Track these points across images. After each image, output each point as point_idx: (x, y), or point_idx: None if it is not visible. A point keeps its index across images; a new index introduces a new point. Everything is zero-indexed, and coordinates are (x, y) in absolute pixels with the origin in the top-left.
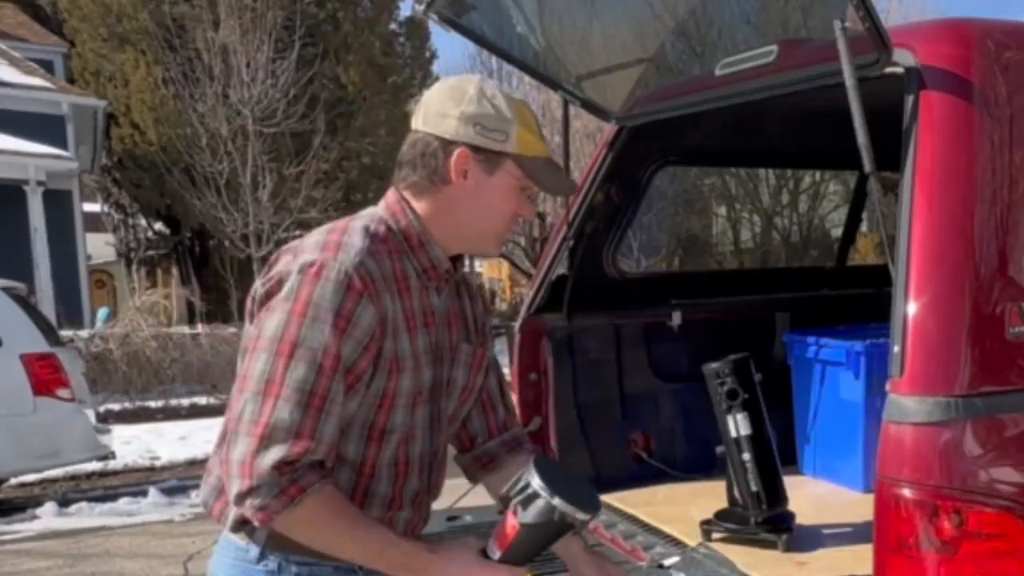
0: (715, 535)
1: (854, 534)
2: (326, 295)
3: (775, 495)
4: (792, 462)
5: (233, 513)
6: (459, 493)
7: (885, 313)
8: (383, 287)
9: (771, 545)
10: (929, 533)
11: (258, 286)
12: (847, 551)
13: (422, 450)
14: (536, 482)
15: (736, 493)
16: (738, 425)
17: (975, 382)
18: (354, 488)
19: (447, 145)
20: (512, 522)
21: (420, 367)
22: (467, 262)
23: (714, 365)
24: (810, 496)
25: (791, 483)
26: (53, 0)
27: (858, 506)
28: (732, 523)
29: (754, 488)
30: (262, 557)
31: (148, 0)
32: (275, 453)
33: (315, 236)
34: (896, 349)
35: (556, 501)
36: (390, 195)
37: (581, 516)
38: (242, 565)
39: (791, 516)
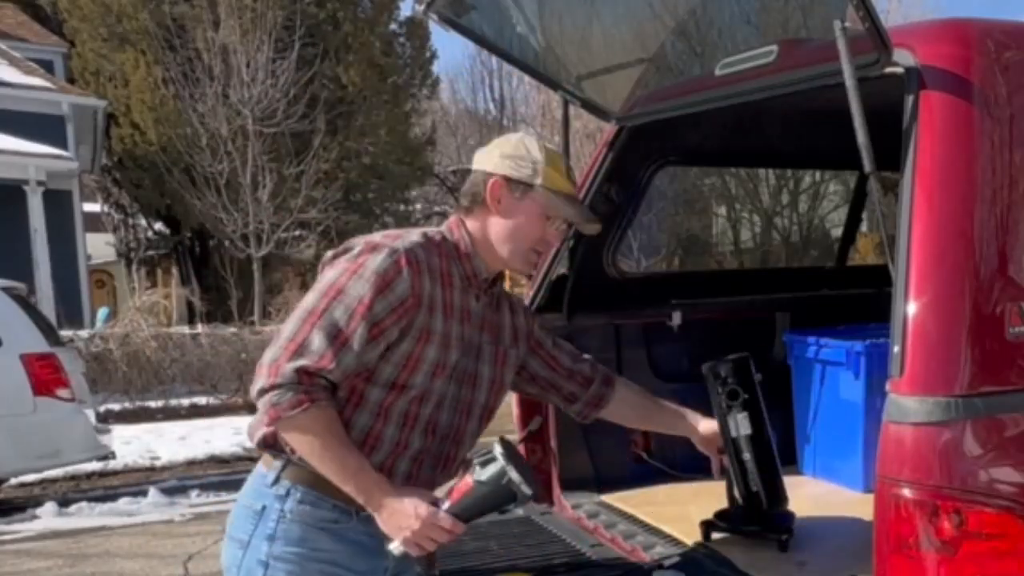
0: (714, 535)
1: (854, 534)
2: (376, 262)
3: (775, 495)
4: (792, 462)
5: (260, 432)
6: None
7: (885, 313)
8: (426, 271)
9: (771, 545)
10: (929, 533)
11: (329, 253)
12: (847, 551)
13: (435, 417)
14: (498, 450)
15: (736, 493)
16: (738, 425)
17: (975, 382)
18: (370, 427)
19: (488, 176)
20: (468, 479)
21: (448, 347)
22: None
23: (714, 365)
24: (810, 496)
25: (791, 483)
26: (53, 0)
27: (858, 506)
28: (732, 523)
29: (754, 488)
30: (275, 482)
31: (148, 0)
32: (301, 362)
33: (382, 232)
34: (896, 349)
35: (509, 468)
36: (452, 218)
37: (525, 489)
38: (259, 488)
39: (791, 516)
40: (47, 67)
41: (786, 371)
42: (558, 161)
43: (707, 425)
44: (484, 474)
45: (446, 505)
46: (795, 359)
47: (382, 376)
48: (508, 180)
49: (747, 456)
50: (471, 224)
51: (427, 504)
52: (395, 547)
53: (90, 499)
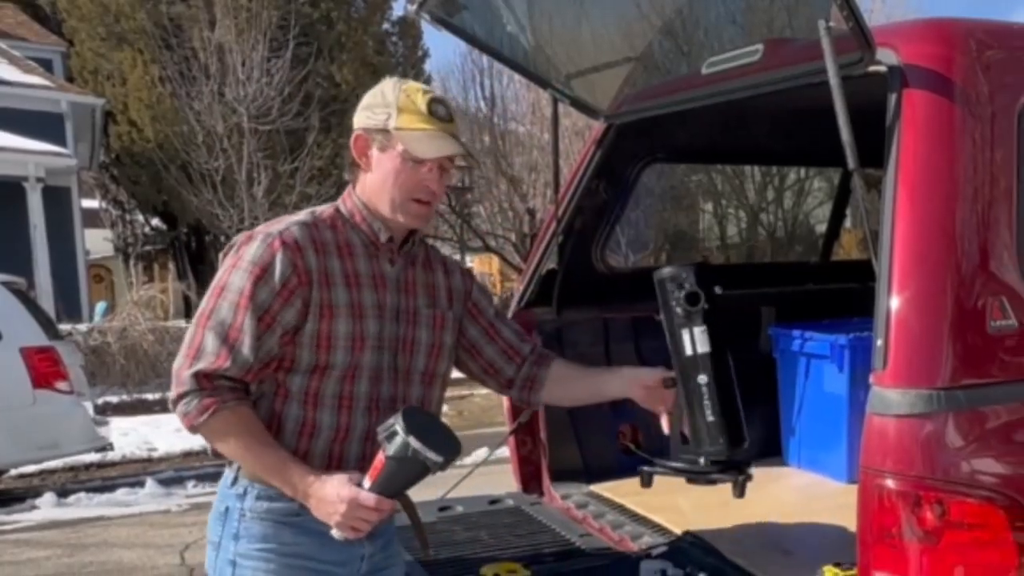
0: (656, 476)
1: (838, 524)
2: (251, 251)
3: (734, 429)
4: (777, 453)
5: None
6: (451, 483)
7: (869, 307)
8: (309, 248)
9: (757, 533)
10: (912, 523)
11: (221, 254)
12: (831, 540)
13: (373, 392)
14: (399, 423)
15: (686, 426)
16: (695, 340)
17: (957, 375)
18: (303, 417)
19: (352, 135)
20: (380, 456)
21: (362, 316)
22: (459, 258)
23: (671, 268)
24: (795, 487)
25: (778, 474)
26: (52, 0)
27: (842, 496)
28: (678, 462)
29: (710, 418)
30: (234, 482)
31: (145, 0)
32: (198, 366)
33: (269, 221)
34: (879, 343)
35: (410, 439)
36: (348, 188)
37: (433, 457)
38: (223, 490)
39: (749, 457)
40: (46, 66)
41: (771, 364)
42: (417, 97)
43: (650, 375)
44: (391, 449)
45: (367, 484)
46: (780, 352)
47: (301, 363)
48: (367, 131)
49: (703, 378)
50: (358, 188)
51: (350, 486)
52: (336, 533)
53: (88, 490)
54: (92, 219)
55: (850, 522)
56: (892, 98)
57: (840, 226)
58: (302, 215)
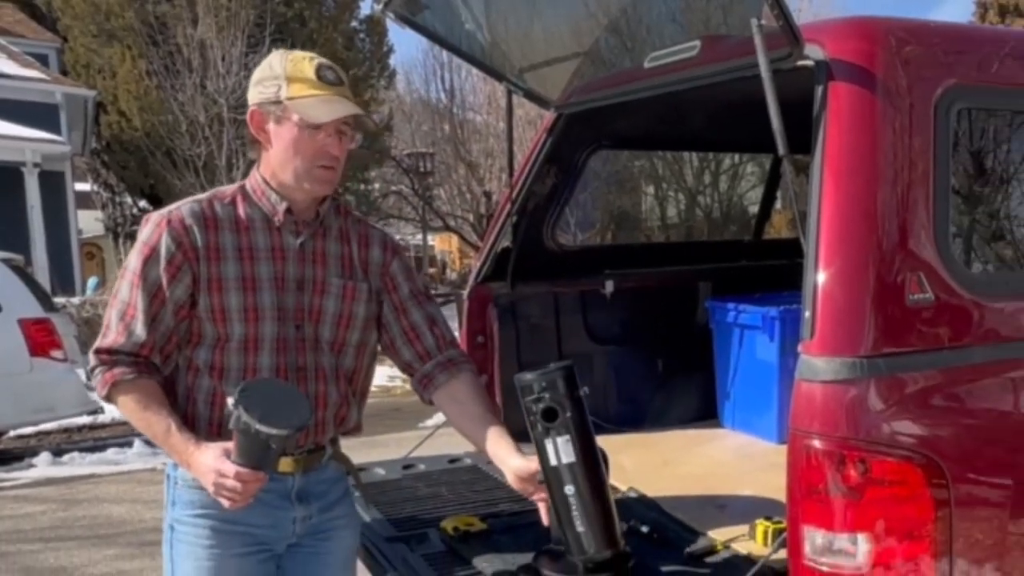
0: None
1: (769, 480)
2: (143, 233)
3: (606, 536)
4: (713, 416)
5: None
6: (413, 444)
7: (797, 282)
8: (198, 225)
9: (695, 488)
10: (837, 480)
11: None
12: (763, 496)
13: (278, 362)
14: (230, 400)
15: (559, 532)
16: (558, 451)
17: (878, 344)
18: (212, 389)
19: (248, 113)
20: (233, 437)
21: (255, 289)
22: (421, 237)
23: (527, 376)
24: (730, 447)
25: (713, 435)
26: (48, 0)
27: (773, 455)
28: (557, 571)
29: (580, 528)
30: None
31: (133, 0)
32: (99, 344)
33: None
34: (807, 314)
35: (242, 413)
36: (254, 167)
37: (269, 430)
38: (167, 459)
39: (627, 557)
40: (42, 60)
41: (708, 334)
42: (304, 65)
43: (520, 463)
44: (230, 422)
45: (232, 457)
46: (716, 324)
47: (205, 337)
48: (261, 106)
49: (570, 489)
50: (261, 165)
51: (218, 458)
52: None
53: (81, 450)
54: (84, 201)
55: (780, 479)
56: (819, 90)
57: (771, 208)
58: (202, 195)
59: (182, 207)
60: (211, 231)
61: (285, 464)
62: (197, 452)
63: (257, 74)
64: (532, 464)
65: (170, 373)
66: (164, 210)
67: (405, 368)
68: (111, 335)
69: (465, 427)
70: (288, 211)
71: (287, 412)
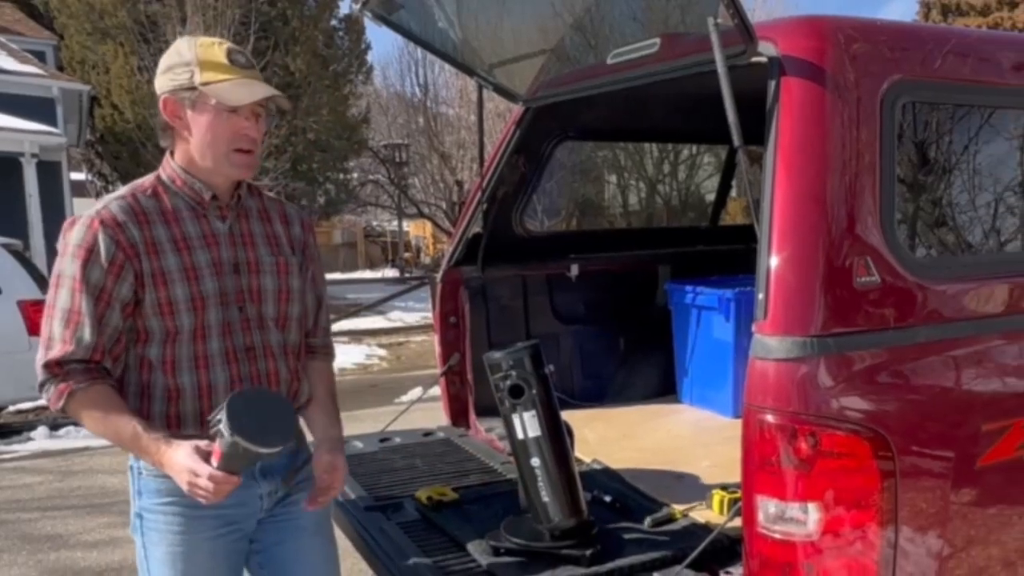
0: (503, 551)
1: (725, 453)
2: (74, 236)
3: (571, 506)
4: (672, 392)
5: None
6: (389, 419)
7: (751, 266)
8: (130, 221)
9: (655, 461)
10: (789, 452)
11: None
12: (719, 467)
13: (226, 346)
14: (224, 423)
15: (526, 502)
16: (525, 425)
17: (827, 324)
18: (167, 386)
19: (159, 101)
20: (216, 446)
21: (197, 277)
22: (397, 223)
23: (496, 355)
24: (688, 421)
25: (672, 410)
26: None
27: (728, 429)
28: (524, 538)
29: (545, 498)
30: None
31: (126, 0)
32: (49, 356)
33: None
34: (760, 296)
35: (237, 438)
36: (164, 158)
37: (263, 450)
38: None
39: (591, 526)
40: (40, 57)
41: (667, 315)
42: (214, 50)
43: (321, 458)
44: (224, 445)
45: (214, 464)
46: (675, 305)
47: (153, 333)
48: (174, 93)
49: (536, 461)
50: (177, 154)
51: (193, 459)
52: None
53: (76, 424)
54: (79, 189)
55: (735, 452)
56: (772, 85)
57: (727, 195)
58: (122, 190)
59: (109, 205)
60: (144, 226)
61: None
62: (169, 451)
63: (165, 61)
64: (326, 460)
65: (122, 373)
66: (91, 211)
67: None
68: (57, 346)
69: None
70: (213, 197)
71: (272, 425)
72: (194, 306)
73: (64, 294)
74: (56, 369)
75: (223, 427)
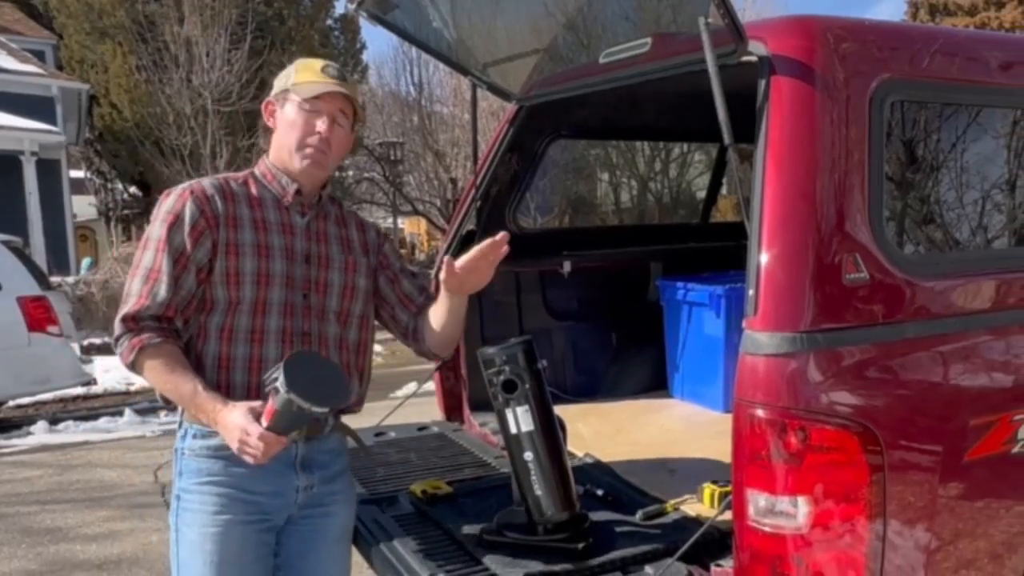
0: (499, 544)
1: (716, 447)
2: (166, 204)
3: (563, 499)
4: (664, 387)
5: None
6: (385, 413)
7: (742, 262)
8: (217, 195)
9: (647, 453)
10: (779, 447)
11: None
12: (710, 461)
13: (286, 325)
14: (281, 380)
15: (519, 495)
16: (518, 420)
17: (817, 320)
18: (219, 352)
19: (264, 105)
20: (270, 405)
21: (268, 256)
22: (392, 220)
23: (489, 351)
24: (679, 416)
25: (664, 405)
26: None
27: (719, 424)
28: (517, 531)
29: (538, 491)
30: (180, 425)
31: (124, 0)
32: (124, 310)
33: None
34: (751, 292)
35: (292, 396)
36: (263, 156)
37: (316, 409)
38: (177, 433)
39: (583, 519)
40: (39, 56)
41: (659, 311)
42: (313, 63)
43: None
44: (278, 402)
45: (264, 424)
46: (666, 301)
47: (218, 302)
48: (274, 98)
49: (529, 455)
50: (271, 151)
51: (247, 419)
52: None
53: (75, 418)
54: (78, 187)
55: (726, 446)
56: (762, 84)
57: (717, 193)
58: (217, 175)
59: (202, 181)
60: (229, 202)
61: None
62: (224, 411)
63: (275, 82)
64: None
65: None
66: (184, 184)
67: (405, 335)
68: (134, 299)
69: (442, 325)
70: (297, 192)
71: (325, 388)
72: (259, 280)
73: (148, 255)
74: (131, 324)
75: (280, 384)
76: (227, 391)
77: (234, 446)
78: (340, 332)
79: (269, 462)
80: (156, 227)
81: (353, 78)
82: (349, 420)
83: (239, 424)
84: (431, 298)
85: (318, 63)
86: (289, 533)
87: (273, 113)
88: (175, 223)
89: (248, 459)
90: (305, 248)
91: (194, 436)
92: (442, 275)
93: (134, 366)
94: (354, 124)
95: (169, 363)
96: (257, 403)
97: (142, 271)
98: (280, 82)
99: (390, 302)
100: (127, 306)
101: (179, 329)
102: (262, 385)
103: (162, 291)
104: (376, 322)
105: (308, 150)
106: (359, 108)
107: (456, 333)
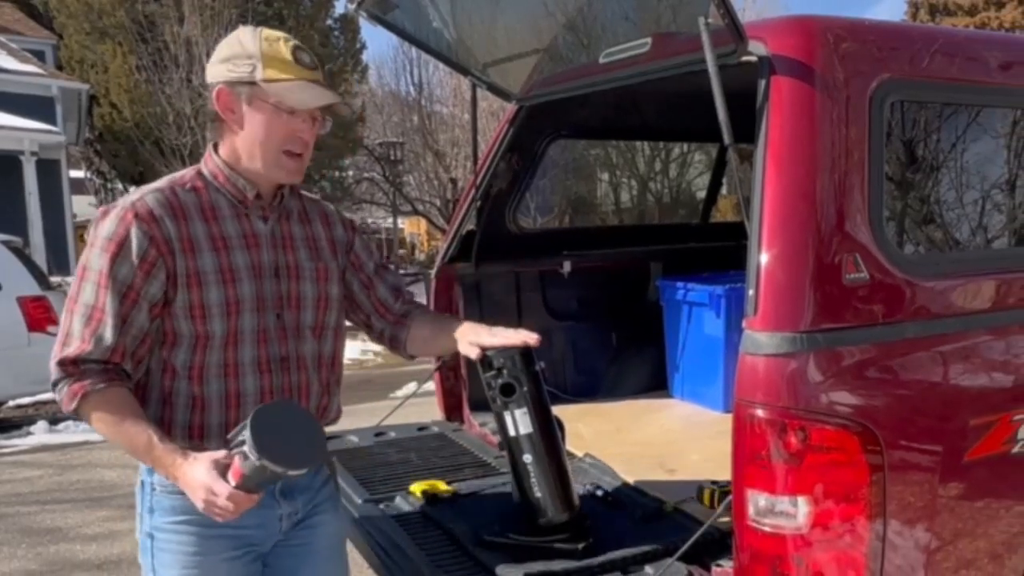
0: (500, 545)
1: (716, 447)
2: (105, 228)
3: (563, 500)
4: (664, 387)
5: None
6: (385, 413)
7: (741, 262)
8: (167, 216)
9: (647, 454)
10: (779, 447)
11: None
12: (710, 461)
13: (259, 355)
14: (249, 443)
15: (519, 496)
16: (516, 423)
17: (817, 320)
18: (191, 394)
19: (211, 90)
20: (236, 466)
21: (234, 280)
22: (392, 220)
23: (487, 353)
24: (679, 416)
25: (664, 405)
26: None
27: (719, 424)
28: (517, 532)
29: (537, 493)
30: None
31: (124, 0)
32: (64, 353)
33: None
34: (751, 292)
35: (264, 462)
36: (207, 151)
37: (292, 472)
38: (140, 465)
39: (584, 519)
40: (39, 56)
41: (659, 311)
42: (280, 47)
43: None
44: (245, 467)
45: (232, 483)
46: (666, 301)
47: (181, 337)
48: (231, 85)
49: (528, 458)
50: (222, 148)
51: (211, 475)
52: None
53: (75, 419)
54: (78, 187)
55: (726, 446)
56: (762, 83)
57: (717, 193)
58: (160, 182)
59: (145, 197)
60: (181, 221)
61: None
62: (185, 465)
63: (225, 50)
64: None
65: (142, 377)
66: (125, 201)
67: (379, 339)
68: (75, 343)
69: (438, 351)
70: (256, 196)
71: (298, 444)
72: (228, 311)
73: (88, 289)
74: (71, 368)
75: (248, 448)
76: (201, 433)
77: (200, 506)
78: (317, 348)
79: None
80: (95, 256)
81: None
82: (346, 417)
83: (203, 483)
84: (407, 302)
85: (284, 45)
86: (278, 554)
87: (232, 106)
88: (118, 253)
89: (217, 519)
90: (272, 260)
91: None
92: (467, 351)
93: (78, 413)
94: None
95: (117, 411)
96: (222, 453)
97: (82, 308)
98: (237, 65)
99: (365, 310)
100: (67, 349)
101: (128, 371)
102: (228, 442)
103: (108, 334)
104: (355, 323)
105: (288, 159)
106: (343, 105)
107: (443, 352)
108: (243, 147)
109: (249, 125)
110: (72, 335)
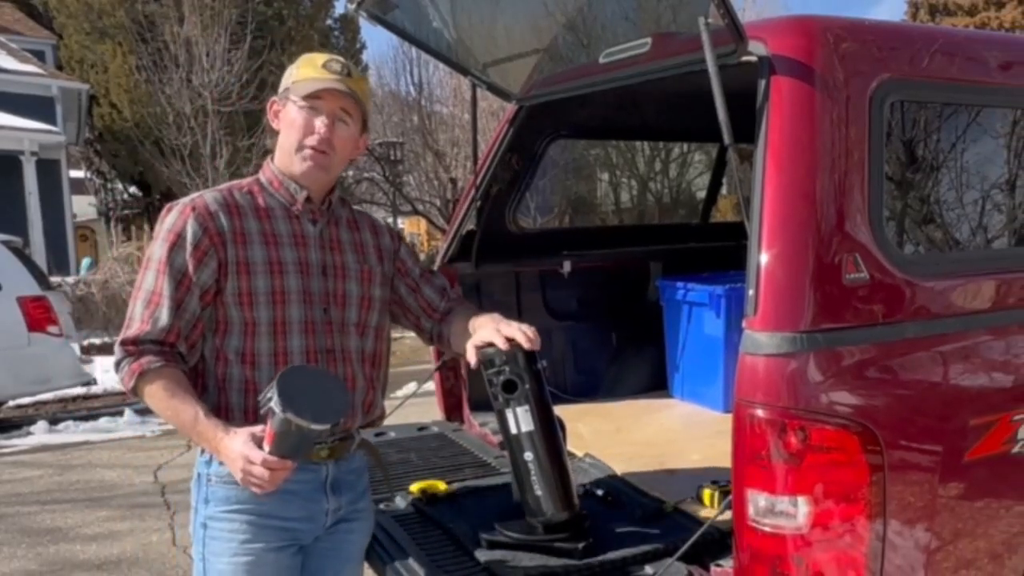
0: (499, 544)
1: (716, 447)
2: (167, 221)
3: (563, 500)
4: (664, 387)
5: None
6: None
7: (741, 262)
8: (221, 211)
9: (647, 455)
10: (779, 447)
11: None
12: (710, 461)
13: (306, 345)
14: (275, 400)
15: (519, 496)
16: (518, 421)
17: (817, 320)
18: (244, 378)
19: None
20: (268, 428)
21: (282, 272)
22: (392, 220)
23: (489, 351)
24: (679, 416)
25: (664, 405)
26: None
27: (719, 424)
28: (517, 531)
29: (538, 491)
30: (203, 450)
31: (124, 0)
32: (125, 335)
33: None
34: (751, 292)
35: (289, 415)
36: (267, 160)
37: (315, 426)
38: (197, 457)
39: (584, 519)
40: (39, 56)
41: (659, 311)
42: (316, 58)
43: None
44: (275, 424)
45: (267, 449)
46: (666, 301)
47: (232, 324)
48: (278, 98)
49: (529, 456)
50: (276, 154)
51: (248, 445)
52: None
53: (75, 418)
54: (78, 187)
55: (726, 446)
56: (762, 83)
57: (717, 193)
58: (221, 186)
59: (204, 195)
60: (235, 216)
61: (319, 453)
62: (226, 438)
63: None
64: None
65: (199, 364)
66: (186, 199)
67: (431, 339)
68: (136, 325)
69: (464, 341)
70: (307, 199)
71: (325, 403)
72: (274, 300)
73: (149, 276)
74: (131, 347)
75: (274, 404)
76: (255, 415)
77: (238, 476)
78: (360, 345)
79: (299, 487)
80: (157, 246)
81: (359, 71)
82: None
83: (240, 452)
84: (451, 300)
85: (321, 58)
86: (308, 552)
87: (277, 113)
88: (176, 242)
89: (255, 489)
90: (320, 259)
91: (220, 462)
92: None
93: (135, 391)
94: (365, 122)
95: (169, 388)
96: (259, 428)
97: (143, 294)
98: (283, 81)
99: (414, 312)
100: (127, 330)
101: (183, 353)
102: (259, 405)
103: (164, 316)
104: (403, 325)
105: (307, 151)
106: (364, 104)
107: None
108: (281, 145)
109: (283, 123)
110: (134, 317)
